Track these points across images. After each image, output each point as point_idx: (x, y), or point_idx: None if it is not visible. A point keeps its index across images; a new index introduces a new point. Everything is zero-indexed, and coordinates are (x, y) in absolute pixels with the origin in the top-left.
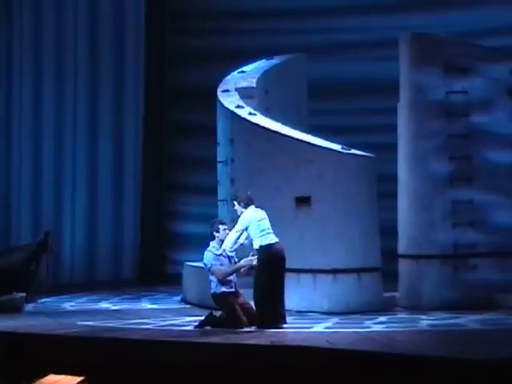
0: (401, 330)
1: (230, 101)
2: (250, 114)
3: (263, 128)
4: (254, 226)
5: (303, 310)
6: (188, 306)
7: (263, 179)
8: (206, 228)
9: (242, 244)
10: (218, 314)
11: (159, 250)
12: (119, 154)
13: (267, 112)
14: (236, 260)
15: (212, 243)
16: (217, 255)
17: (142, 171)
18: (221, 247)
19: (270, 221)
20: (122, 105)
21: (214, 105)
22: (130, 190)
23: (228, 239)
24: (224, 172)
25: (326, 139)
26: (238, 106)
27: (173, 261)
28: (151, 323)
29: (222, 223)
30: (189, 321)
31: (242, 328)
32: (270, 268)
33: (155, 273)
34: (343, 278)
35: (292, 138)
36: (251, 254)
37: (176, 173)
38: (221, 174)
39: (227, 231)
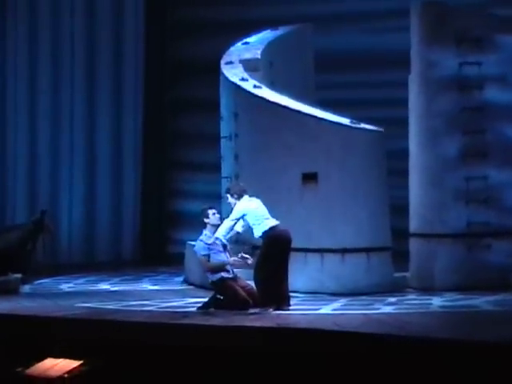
0: (411, 311)
1: (233, 73)
2: (255, 87)
3: (268, 102)
4: (250, 214)
5: (310, 291)
6: (190, 287)
7: (268, 155)
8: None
9: (238, 233)
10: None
11: (161, 229)
12: (118, 131)
13: (272, 85)
14: (229, 249)
15: (205, 231)
16: (208, 245)
17: (143, 148)
18: (214, 234)
19: (275, 199)
20: (121, 79)
21: (217, 78)
22: (131, 167)
23: (222, 227)
24: (227, 148)
25: (334, 113)
26: (243, 79)
27: (174, 240)
28: (152, 305)
29: (211, 208)
30: (191, 302)
31: (247, 310)
32: (276, 251)
33: (156, 253)
34: (352, 257)
35: (298, 111)
36: (241, 253)
37: (178, 149)
38: (224, 150)
39: (217, 215)
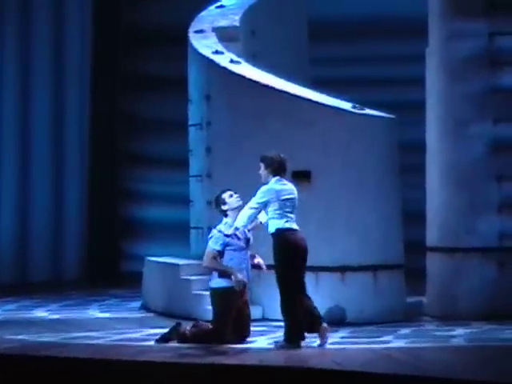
0: (429, 346)
1: (205, 45)
2: (232, 61)
3: (250, 81)
4: (274, 203)
5: None
6: (150, 314)
7: (250, 147)
8: (173, 212)
9: (261, 223)
10: (187, 325)
11: (112, 240)
12: (59, 116)
13: (255, 59)
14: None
15: (225, 219)
16: (227, 236)
17: (90, 138)
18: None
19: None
20: (64, 50)
21: (184, 50)
22: (74, 161)
23: (242, 214)
24: (198, 138)
25: (333, 96)
26: (217, 52)
27: (129, 255)
28: (101, 337)
29: (224, 191)
30: (151, 334)
31: (221, 344)
32: (291, 257)
33: (107, 271)
34: (355, 277)
35: (288, 93)
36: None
37: (134, 140)
38: (194, 142)
39: (235, 196)
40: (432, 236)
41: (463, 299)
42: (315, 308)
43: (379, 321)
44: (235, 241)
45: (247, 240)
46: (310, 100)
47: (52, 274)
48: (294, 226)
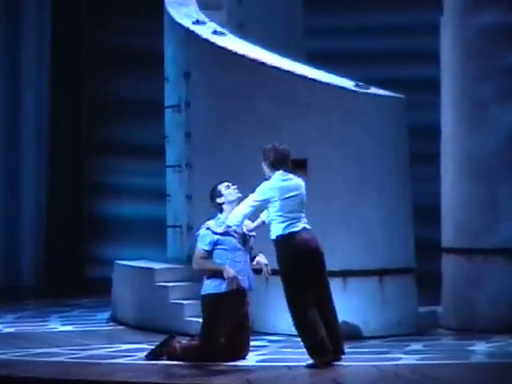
0: (444, 362)
1: (184, 13)
2: (216, 33)
3: (236, 55)
4: (275, 203)
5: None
6: (121, 327)
7: (236, 133)
8: (147, 208)
9: (264, 222)
10: (183, 338)
11: (76, 241)
12: (13, 100)
13: (241, 30)
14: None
15: (219, 215)
16: (217, 234)
17: (51, 124)
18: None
19: (245, 197)
20: (19, 26)
21: (159, 20)
22: (32, 150)
23: (236, 211)
24: (175, 122)
25: (332, 72)
26: (198, 22)
27: (96, 259)
28: (64, 354)
29: (220, 183)
30: (123, 350)
31: (210, 361)
32: (293, 269)
33: (69, 277)
34: (358, 283)
35: (280, 69)
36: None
37: (102, 125)
38: (170, 126)
39: (233, 187)
40: (447, 235)
41: (483, 308)
42: (333, 332)
43: (387, 334)
44: (228, 239)
45: (244, 239)
46: (305, 77)
47: (6, 281)
48: (300, 225)
